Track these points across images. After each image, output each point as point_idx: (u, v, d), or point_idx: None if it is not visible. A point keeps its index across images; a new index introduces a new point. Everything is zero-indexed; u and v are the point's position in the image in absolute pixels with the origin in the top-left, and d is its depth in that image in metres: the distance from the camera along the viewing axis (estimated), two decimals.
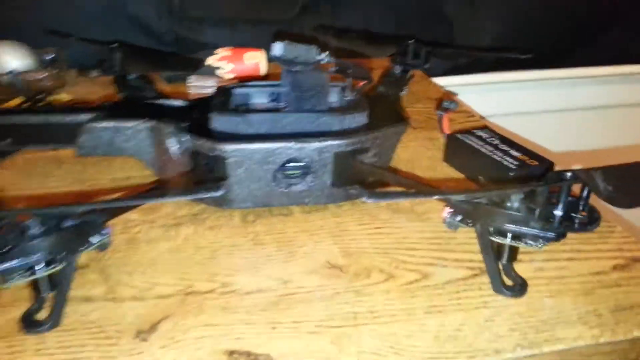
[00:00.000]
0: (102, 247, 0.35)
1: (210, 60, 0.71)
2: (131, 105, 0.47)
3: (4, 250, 0.30)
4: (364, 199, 0.29)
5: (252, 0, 0.84)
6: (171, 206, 0.47)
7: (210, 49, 0.74)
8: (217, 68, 0.71)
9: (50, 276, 0.34)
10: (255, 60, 0.72)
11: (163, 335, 0.33)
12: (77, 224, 0.33)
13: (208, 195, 0.30)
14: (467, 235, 0.42)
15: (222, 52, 0.72)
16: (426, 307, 0.36)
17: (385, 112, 0.48)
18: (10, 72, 0.65)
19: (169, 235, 0.43)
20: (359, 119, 0.44)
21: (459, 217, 0.38)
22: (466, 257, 0.41)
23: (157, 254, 0.41)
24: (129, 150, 0.45)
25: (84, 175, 0.51)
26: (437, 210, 0.46)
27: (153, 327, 0.34)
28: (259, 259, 0.41)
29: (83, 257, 0.40)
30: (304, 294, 0.37)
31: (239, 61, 0.71)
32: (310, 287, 0.38)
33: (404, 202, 0.48)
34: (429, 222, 0.45)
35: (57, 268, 0.33)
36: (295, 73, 0.42)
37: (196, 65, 0.66)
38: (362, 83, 0.46)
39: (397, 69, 0.59)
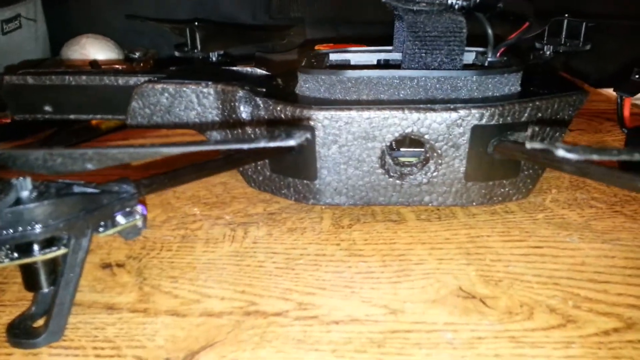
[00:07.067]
0: (132, 232, 0.25)
1: None
2: (198, 70, 0.37)
3: None
4: (559, 151, 0.16)
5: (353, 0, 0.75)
6: (243, 202, 0.36)
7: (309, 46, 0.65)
8: None
9: (54, 266, 0.23)
10: None
11: None
12: (97, 192, 0.23)
13: (276, 144, 0.18)
14: None
15: (323, 47, 0.63)
16: None
17: (545, 80, 0.34)
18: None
19: (235, 236, 0.31)
20: (509, 82, 0.30)
21: None
22: None
23: (216, 257, 0.30)
24: (190, 121, 0.35)
25: None
26: (626, 229, 0.31)
27: (190, 358, 0.22)
28: (355, 276, 0.28)
29: (119, 254, 0.30)
30: (424, 333, 0.23)
31: None
32: (435, 323, 0.24)
33: (574, 216, 0.32)
34: (617, 245, 0.29)
35: (57, 252, 0.22)
36: (417, 14, 0.30)
37: (283, 36, 0.57)
38: (513, 35, 0.33)
39: (547, 50, 0.44)
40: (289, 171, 0.32)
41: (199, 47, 0.47)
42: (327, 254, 0.30)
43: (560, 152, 0.15)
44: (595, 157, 0.15)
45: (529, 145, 0.17)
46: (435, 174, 0.30)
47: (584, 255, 0.28)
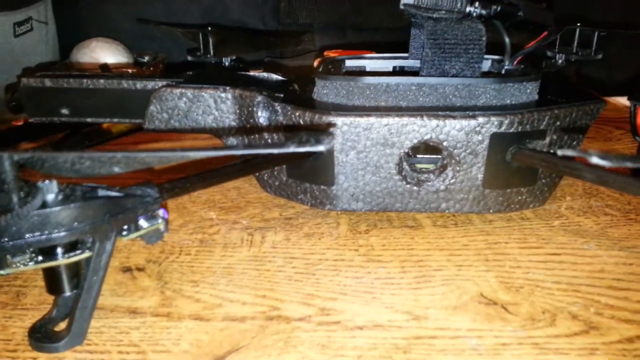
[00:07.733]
0: (154, 236, 0.25)
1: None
2: (215, 75, 0.37)
3: None
4: (593, 158, 0.16)
5: (360, 6, 0.76)
6: (258, 207, 0.36)
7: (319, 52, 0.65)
8: None
9: (77, 269, 0.23)
10: None
11: None
12: (121, 195, 0.23)
13: (306, 149, 0.18)
14: None
15: (331, 53, 0.63)
16: None
17: (561, 88, 0.34)
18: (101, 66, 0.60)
19: (253, 241, 0.32)
20: (528, 91, 0.31)
21: None
22: None
23: (235, 261, 0.30)
24: (208, 126, 0.35)
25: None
26: None
27: None
28: (375, 282, 0.28)
29: (139, 258, 0.30)
30: (449, 339, 0.23)
31: None
32: (458, 329, 0.24)
33: (590, 223, 0.32)
34: (634, 252, 0.29)
35: (81, 255, 0.22)
36: (437, 21, 0.30)
37: (297, 42, 0.57)
38: (530, 44, 0.33)
39: (560, 59, 0.45)
40: (306, 176, 0.32)
41: (211, 52, 0.47)
42: (346, 259, 0.30)
43: (595, 159, 0.16)
44: (629, 164, 0.16)
45: (560, 152, 0.17)
46: (453, 181, 0.30)
47: (602, 262, 0.29)
